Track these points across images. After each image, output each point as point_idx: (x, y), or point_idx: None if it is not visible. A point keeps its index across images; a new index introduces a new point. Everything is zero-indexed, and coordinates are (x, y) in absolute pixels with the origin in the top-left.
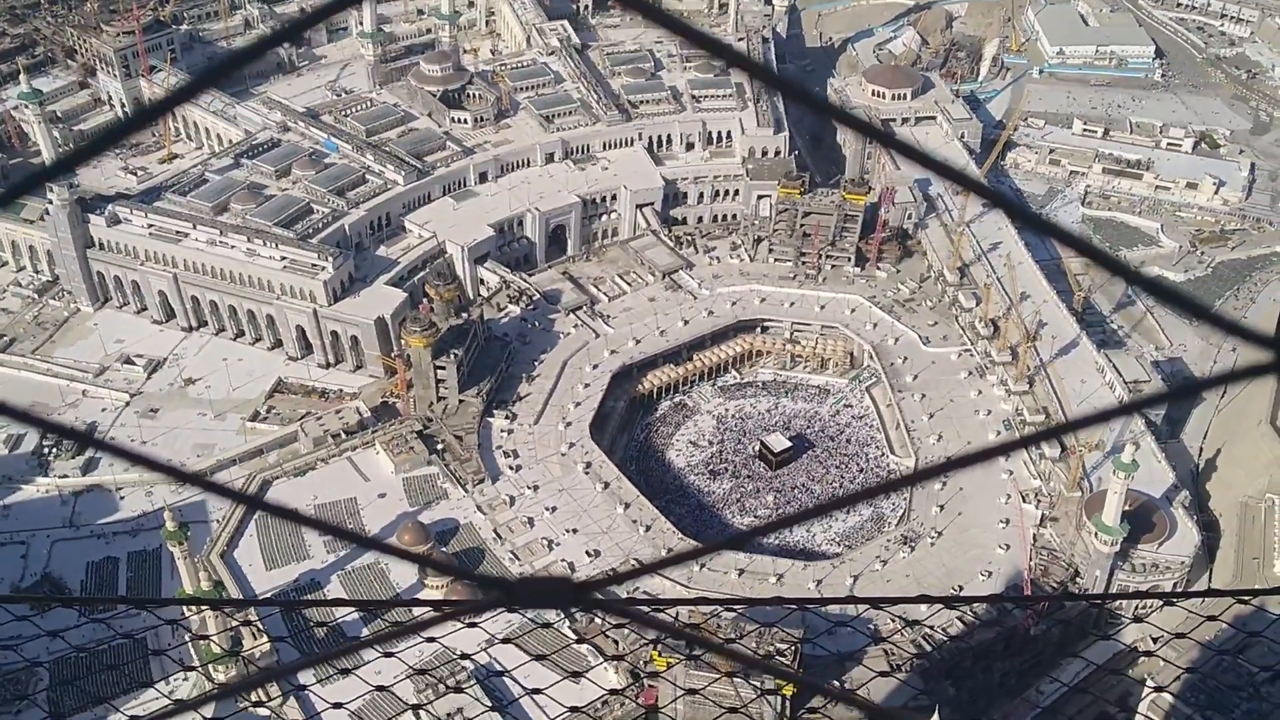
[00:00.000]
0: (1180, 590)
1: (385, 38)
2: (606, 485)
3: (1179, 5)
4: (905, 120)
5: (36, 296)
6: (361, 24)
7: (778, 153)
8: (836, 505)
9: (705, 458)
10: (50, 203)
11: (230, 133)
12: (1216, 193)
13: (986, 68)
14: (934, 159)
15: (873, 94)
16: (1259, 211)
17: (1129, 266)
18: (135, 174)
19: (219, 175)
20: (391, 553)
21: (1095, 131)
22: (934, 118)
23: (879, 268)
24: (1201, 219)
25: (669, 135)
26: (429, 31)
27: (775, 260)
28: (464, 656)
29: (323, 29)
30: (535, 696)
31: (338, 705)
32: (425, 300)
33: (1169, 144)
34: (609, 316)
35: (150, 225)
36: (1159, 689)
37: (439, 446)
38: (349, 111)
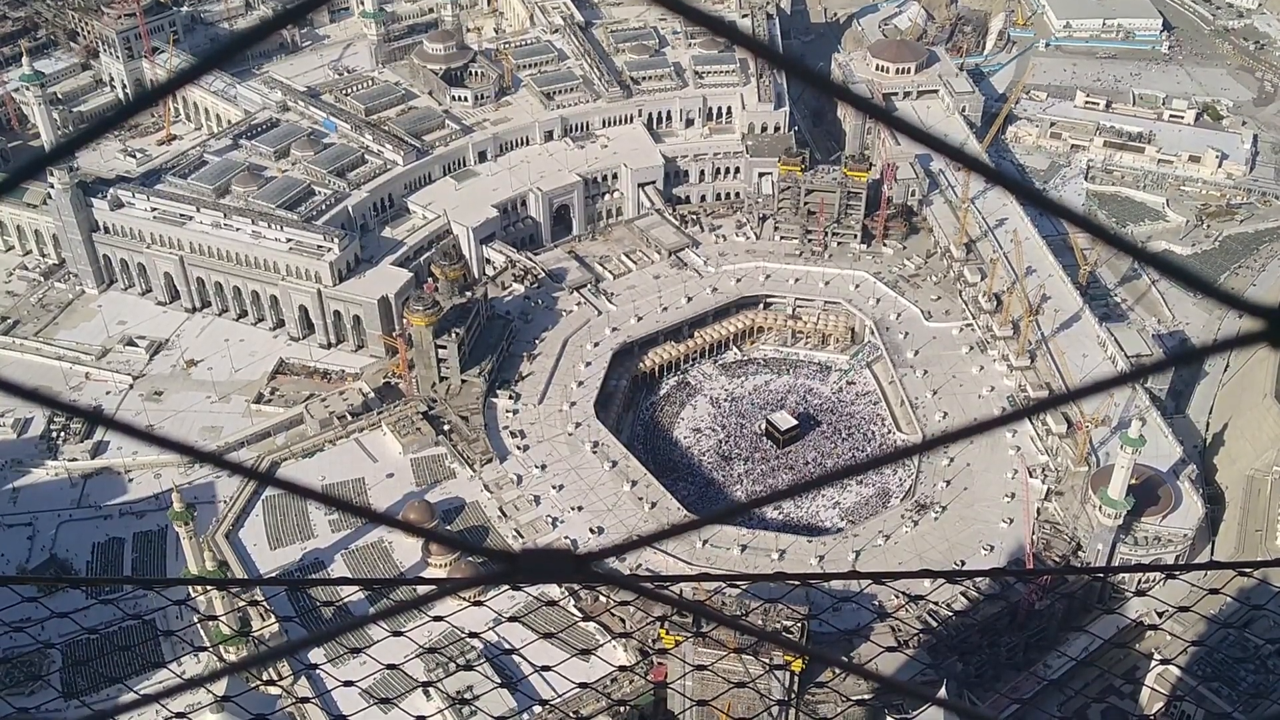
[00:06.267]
0: (1181, 563)
1: (388, 17)
2: (614, 464)
3: None
4: (907, 94)
5: (42, 280)
6: (363, 4)
7: (777, 128)
8: (829, 479)
9: (715, 443)
10: (51, 187)
11: (230, 113)
12: (1220, 166)
13: (992, 41)
14: (932, 135)
15: (877, 68)
16: (1265, 185)
17: (1130, 241)
18: (134, 156)
19: (218, 157)
20: (398, 526)
21: (1097, 104)
22: (936, 91)
23: (885, 244)
24: (1206, 193)
25: (668, 112)
26: (431, 11)
27: (781, 238)
28: (473, 635)
29: (325, 9)
30: (545, 674)
31: (349, 683)
32: (430, 280)
33: (1171, 116)
34: (613, 294)
35: (154, 209)
36: (1165, 662)
37: (445, 427)
38: (349, 91)
